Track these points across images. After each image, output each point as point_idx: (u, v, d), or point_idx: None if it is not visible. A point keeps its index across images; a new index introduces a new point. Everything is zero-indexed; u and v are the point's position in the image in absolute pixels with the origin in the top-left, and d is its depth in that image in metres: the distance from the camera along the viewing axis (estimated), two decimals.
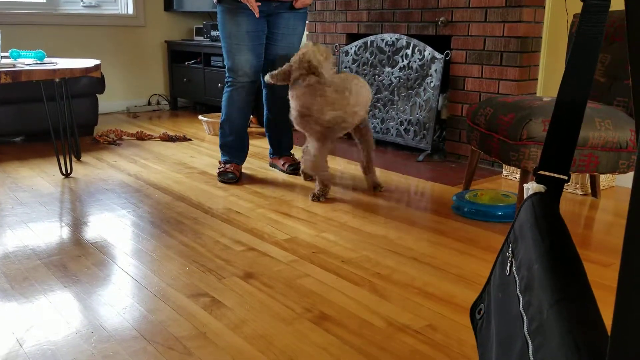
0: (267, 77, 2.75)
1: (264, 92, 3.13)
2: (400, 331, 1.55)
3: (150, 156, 3.55)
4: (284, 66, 2.70)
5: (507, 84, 3.11)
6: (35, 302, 1.70)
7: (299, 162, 3.19)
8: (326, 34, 4.21)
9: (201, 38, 5.15)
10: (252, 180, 3.02)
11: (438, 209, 2.59)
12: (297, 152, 3.57)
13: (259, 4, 2.80)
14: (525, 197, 0.90)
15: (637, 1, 0.49)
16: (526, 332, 0.66)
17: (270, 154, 3.27)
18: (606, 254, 2.09)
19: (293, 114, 2.67)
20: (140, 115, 5.08)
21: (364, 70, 3.86)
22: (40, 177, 3.05)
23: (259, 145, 3.88)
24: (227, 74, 2.97)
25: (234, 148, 3.02)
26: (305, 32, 4.37)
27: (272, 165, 3.28)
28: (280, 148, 3.21)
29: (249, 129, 4.33)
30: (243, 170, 3.17)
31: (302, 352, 1.44)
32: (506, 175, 3.12)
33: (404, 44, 3.56)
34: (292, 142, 3.24)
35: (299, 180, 3.02)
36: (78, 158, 3.46)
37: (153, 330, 1.54)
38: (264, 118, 3.19)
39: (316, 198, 2.67)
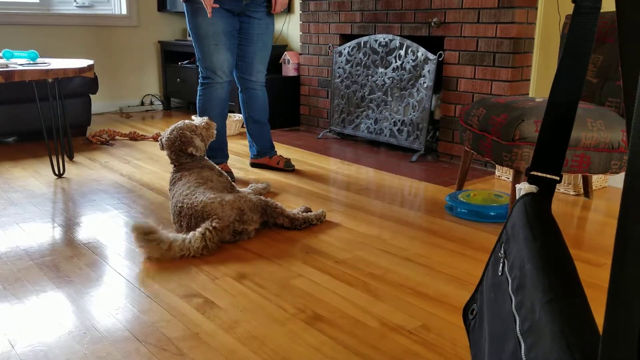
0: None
1: (241, 95, 3.12)
2: (393, 331, 1.55)
3: (143, 156, 3.54)
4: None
5: (499, 84, 3.12)
6: (27, 303, 1.69)
7: (289, 158, 3.23)
8: (319, 34, 4.21)
9: None
10: (244, 180, 3.02)
11: (431, 209, 2.59)
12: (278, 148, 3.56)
13: (216, 6, 2.74)
14: (517, 197, 0.90)
15: (628, 2, 0.49)
16: (518, 332, 0.66)
17: (255, 155, 3.25)
18: (598, 253, 2.10)
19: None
20: (133, 116, 5.07)
21: (357, 70, 3.87)
22: (33, 178, 3.03)
23: None
24: (202, 74, 2.93)
25: (219, 149, 3.02)
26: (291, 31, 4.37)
27: (257, 165, 3.26)
28: (270, 148, 3.22)
29: (241, 129, 4.33)
30: (234, 171, 3.17)
31: (295, 353, 1.44)
32: (499, 176, 3.14)
33: (397, 44, 3.57)
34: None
35: (292, 179, 3.02)
36: (71, 158, 3.44)
37: (146, 331, 1.54)
38: (245, 122, 3.18)
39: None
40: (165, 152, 2.47)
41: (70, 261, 1.99)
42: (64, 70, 2.83)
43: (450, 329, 1.57)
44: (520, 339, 0.65)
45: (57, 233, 2.26)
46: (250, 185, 2.71)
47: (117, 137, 4.09)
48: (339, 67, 4.02)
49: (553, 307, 0.62)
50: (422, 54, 3.42)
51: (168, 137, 2.39)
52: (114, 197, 2.72)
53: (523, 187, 0.90)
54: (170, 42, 5.24)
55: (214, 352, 1.44)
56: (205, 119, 2.50)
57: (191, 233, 2.05)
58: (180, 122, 2.43)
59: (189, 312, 1.64)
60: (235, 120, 4.19)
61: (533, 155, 0.91)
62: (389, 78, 3.66)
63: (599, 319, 0.70)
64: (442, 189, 2.89)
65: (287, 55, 4.44)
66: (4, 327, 1.55)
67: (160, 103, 5.49)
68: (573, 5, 0.83)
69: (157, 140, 3.97)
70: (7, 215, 2.45)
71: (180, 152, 2.38)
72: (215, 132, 2.50)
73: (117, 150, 3.70)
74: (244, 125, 3.22)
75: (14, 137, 3.98)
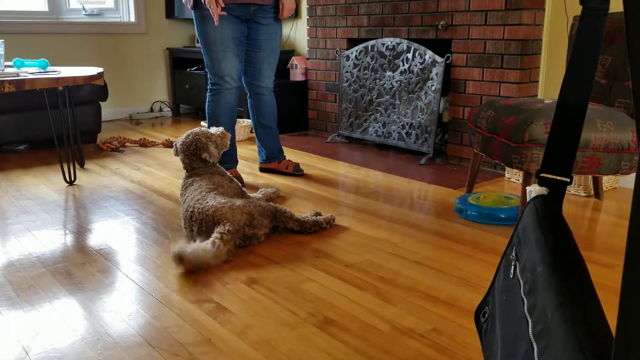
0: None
1: (249, 101, 3.13)
2: (404, 335, 1.55)
3: (154, 163, 3.56)
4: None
5: (508, 86, 3.11)
6: (40, 309, 1.70)
7: (298, 162, 3.23)
8: (327, 39, 4.22)
9: None
10: (254, 185, 3.02)
11: (441, 212, 2.59)
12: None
13: (224, 13, 2.75)
14: (528, 199, 0.90)
15: (636, 3, 0.49)
16: (531, 335, 0.66)
17: (264, 160, 3.26)
18: (610, 255, 2.09)
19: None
20: (142, 122, 5.10)
21: (365, 74, 3.87)
22: (44, 185, 3.06)
23: None
24: (211, 80, 2.95)
25: (229, 155, 3.03)
26: (304, 36, 4.38)
27: (266, 170, 3.27)
28: (279, 153, 3.23)
29: (250, 134, 4.34)
30: (244, 176, 3.18)
31: (307, 357, 1.44)
32: (509, 178, 3.12)
33: (405, 48, 3.57)
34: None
35: (301, 183, 3.03)
36: (82, 165, 3.47)
37: (158, 336, 1.55)
38: (254, 127, 3.19)
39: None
40: (177, 158, 2.48)
41: (82, 268, 2.00)
42: (74, 78, 2.86)
43: (461, 332, 1.57)
44: (533, 341, 0.65)
45: (69, 240, 2.27)
46: (260, 190, 2.72)
47: (127, 144, 4.12)
48: (347, 71, 4.02)
49: (565, 309, 0.62)
50: (430, 57, 3.42)
51: (183, 141, 2.41)
52: (124, 203, 2.74)
53: (533, 189, 0.90)
54: (178, 49, 5.26)
55: (226, 357, 1.45)
56: (221, 128, 2.53)
57: (209, 241, 2.03)
58: (196, 128, 2.45)
59: (201, 318, 1.64)
60: (244, 125, 4.21)
61: (543, 157, 0.91)
62: (396, 81, 3.66)
63: (612, 320, 0.70)
64: (452, 192, 2.89)
65: (294, 60, 4.45)
66: (18, 333, 1.57)
67: (169, 109, 5.51)
68: (581, 6, 0.83)
69: (167, 147, 4.00)
70: (20, 222, 2.47)
71: (193, 156, 2.39)
72: (228, 142, 2.52)
73: (128, 157, 3.72)
74: (253, 131, 3.24)
75: (25, 144, 4.02)
